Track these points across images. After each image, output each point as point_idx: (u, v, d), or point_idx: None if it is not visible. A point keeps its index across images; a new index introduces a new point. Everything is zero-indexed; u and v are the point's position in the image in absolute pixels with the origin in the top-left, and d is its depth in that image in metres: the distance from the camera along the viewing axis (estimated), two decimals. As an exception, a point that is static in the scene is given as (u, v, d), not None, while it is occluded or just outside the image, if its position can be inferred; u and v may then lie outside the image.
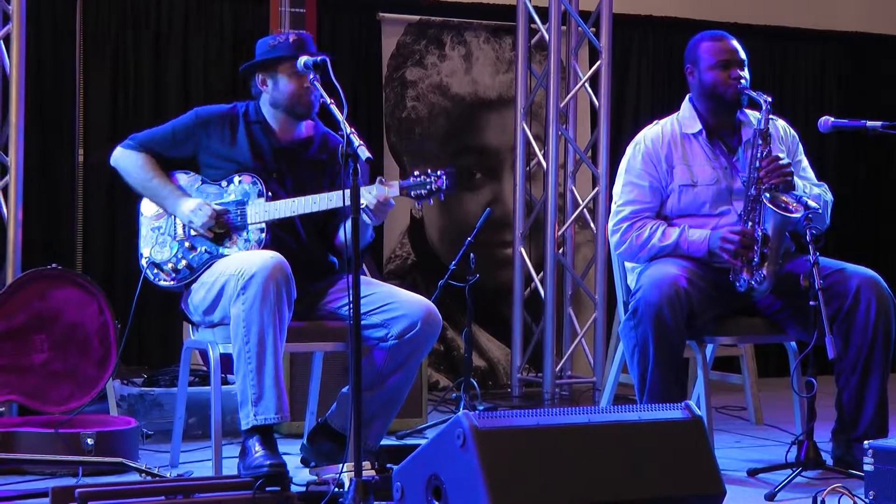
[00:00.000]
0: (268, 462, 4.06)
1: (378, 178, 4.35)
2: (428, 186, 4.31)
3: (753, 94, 4.58)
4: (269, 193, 4.43)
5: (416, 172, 4.35)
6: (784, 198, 4.47)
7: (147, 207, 4.57)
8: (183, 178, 4.54)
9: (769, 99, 4.57)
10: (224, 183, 4.49)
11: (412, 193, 4.33)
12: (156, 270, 4.48)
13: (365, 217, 4.30)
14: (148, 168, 4.52)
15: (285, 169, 4.52)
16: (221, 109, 4.60)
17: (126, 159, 4.57)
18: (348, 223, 4.17)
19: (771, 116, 4.73)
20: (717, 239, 4.53)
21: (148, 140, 4.57)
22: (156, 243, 4.50)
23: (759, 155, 4.54)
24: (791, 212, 4.42)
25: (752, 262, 4.48)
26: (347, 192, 4.20)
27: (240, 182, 4.47)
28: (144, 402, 5.38)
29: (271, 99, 4.53)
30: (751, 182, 4.54)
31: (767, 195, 4.46)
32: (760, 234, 4.48)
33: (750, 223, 4.51)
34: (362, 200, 4.25)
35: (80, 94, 6.13)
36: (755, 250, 4.48)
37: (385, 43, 7.11)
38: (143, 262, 4.50)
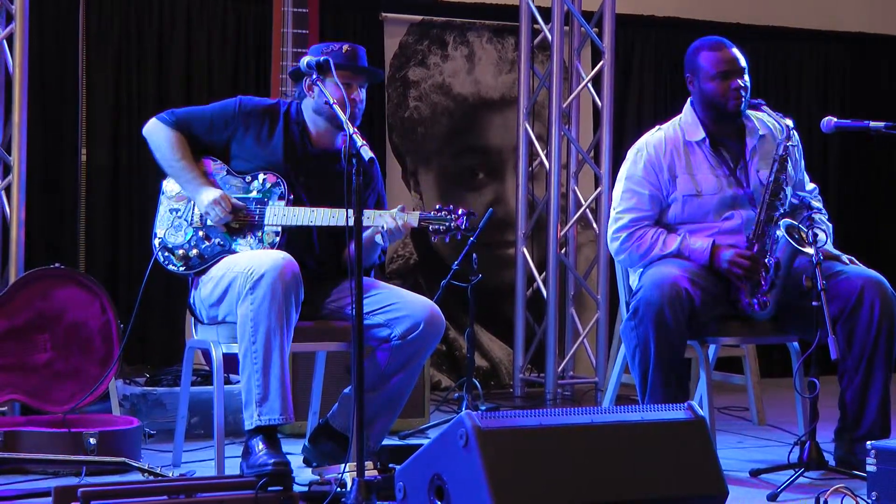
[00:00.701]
0: (271, 461, 4.06)
1: (400, 206, 4.36)
2: (447, 223, 4.34)
3: (773, 114, 4.60)
4: (291, 196, 4.41)
5: (437, 206, 4.37)
6: (801, 230, 4.45)
7: (170, 186, 4.53)
8: (209, 164, 4.50)
9: (790, 124, 4.58)
10: (248, 178, 4.47)
11: (430, 228, 4.35)
12: (167, 254, 4.45)
13: (378, 238, 4.32)
14: (178, 147, 4.47)
15: (312, 176, 4.49)
16: (265, 103, 4.57)
17: (159, 133, 4.50)
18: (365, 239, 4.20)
19: (770, 119, 4.73)
20: (725, 261, 4.53)
21: (186, 118, 4.52)
22: (171, 226, 4.47)
23: (774, 180, 4.54)
24: (807, 245, 4.40)
25: (760, 287, 4.49)
26: (369, 212, 4.28)
27: (264, 180, 4.45)
28: (147, 401, 5.38)
29: (315, 106, 4.49)
30: (763, 206, 4.54)
31: (783, 224, 4.45)
32: (773, 262, 4.48)
33: (757, 246, 4.51)
34: (381, 223, 4.27)
35: (83, 94, 6.13)
36: (765, 277, 4.49)
37: (387, 43, 7.12)
38: (156, 242, 4.47)
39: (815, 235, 4.44)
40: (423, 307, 4.36)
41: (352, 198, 3.75)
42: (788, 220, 4.49)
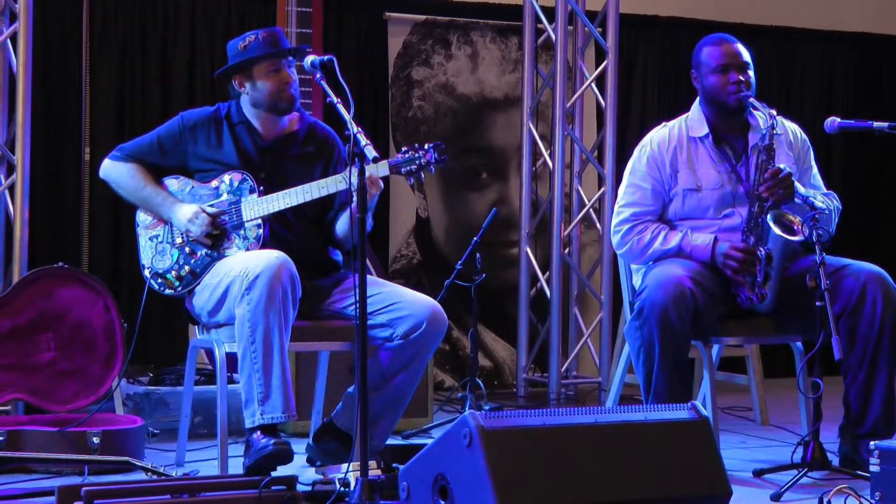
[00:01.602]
0: (272, 441, 4.09)
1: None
2: (417, 161, 4.34)
3: (758, 104, 4.57)
4: (262, 187, 4.44)
5: (403, 149, 4.36)
6: (790, 216, 4.46)
7: (143, 216, 4.58)
8: (174, 183, 4.55)
9: (773, 112, 4.56)
10: (215, 183, 4.50)
11: (402, 170, 4.35)
12: (159, 280, 4.49)
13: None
14: (139, 177, 4.54)
15: (272, 167, 4.52)
16: (206, 112, 4.61)
17: (115, 170, 4.59)
18: (346, 215, 4.20)
19: (784, 122, 4.74)
20: (720, 254, 4.53)
21: (135, 149, 4.59)
22: (156, 252, 4.51)
23: (761, 169, 4.54)
24: (795, 233, 4.41)
25: (755, 279, 4.49)
26: (337, 177, 4.28)
27: (230, 180, 4.48)
28: (150, 400, 5.39)
29: (251, 99, 4.54)
30: (753, 198, 4.54)
31: (770, 215, 4.45)
32: (764, 253, 4.48)
33: (752, 238, 4.51)
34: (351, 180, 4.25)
35: (87, 93, 6.13)
36: (758, 269, 4.48)
37: (391, 42, 7.11)
38: (147, 273, 4.52)
39: (806, 199, 4.45)
40: (426, 306, 4.36)
41: (351, 193, 3.77)
42: (777, 210, 4.48)
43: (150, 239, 4.54)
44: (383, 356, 4.37)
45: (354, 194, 4.18)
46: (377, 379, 4.34)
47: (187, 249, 4.48)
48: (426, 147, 4.34)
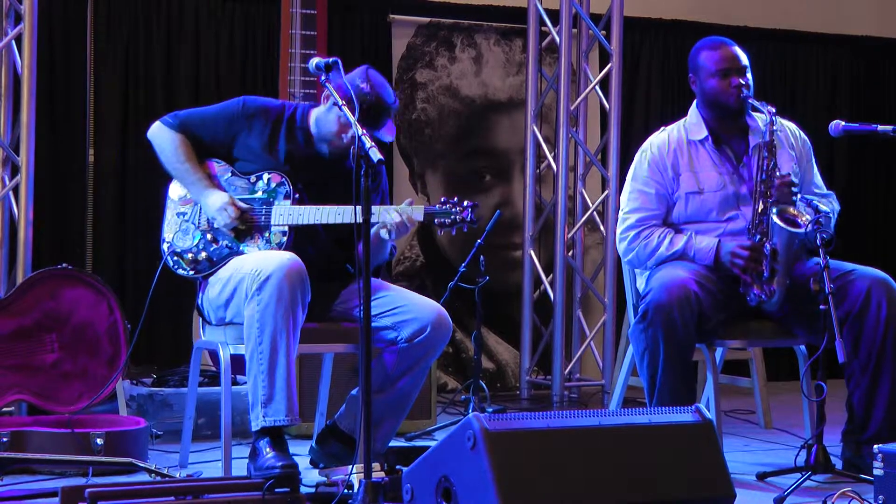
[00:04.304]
0: (279, 464, 4.07)
1: (408, 200, 4.34)
2: (453, 216, 4.31)
3: (757, 103, 4.57)
4: (297, 195, 4.41)
5: (443, 199, 4.34)
6: (792, 210, 4.46)
7: (175, 191, 4.53)
8: (214, 166, 4.50)
9: (773, 109, 4.56)
10: (253, 178, 4.46)
11: (436, 221, 4.32)
12: (176, 258, 4.46)
13: (384, 234, 4.30)
14: (182, 150, 4.46)
15: (317, 176, 4.48)
16: (270, 105, 4.55)
17: (163, 136, 4.50)
18: (374, 243, 4.19)
19: (782, 122, 4.74)
20: (727, 253, 4.53)
21: (189, 121, 4.51)
22: (179, 229, 4.47)
23: (764, 167, 4.54)
24: (799, 226, 4.41)
25: (762, 276, 4.48)
26: (378, 209, 4.25)
27: (269, 180, 4.45)
28: (154, 402, 5.39)
29: (318, 117, 4.48)
30: (757, 195, 4.54)
31: (775, 210, 4.46)
32: (769, 249, 4.48)
33: (759, 236, 4.51)
34: (386, 218, 4.25)
35: (91, 94, 6.14)
36: (765, 265, 4.48)
37: (395, 44, 7.12)
38: (165, 246, 4.48)
39: (810, 202, 4.45)
40: (431, 310, 4.36)
41: (360, 198, 3.74)
42: (780, 206, 4.48)
43: (178, 215, 4.50)
44: (388, 359, 4.36)
45: (388, 232, 4.23)
46: (381, 381, 4.34)
47: (209, 236, 4.45)
48: (465, 204, 4.31)
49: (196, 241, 4.45)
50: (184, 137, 4.48)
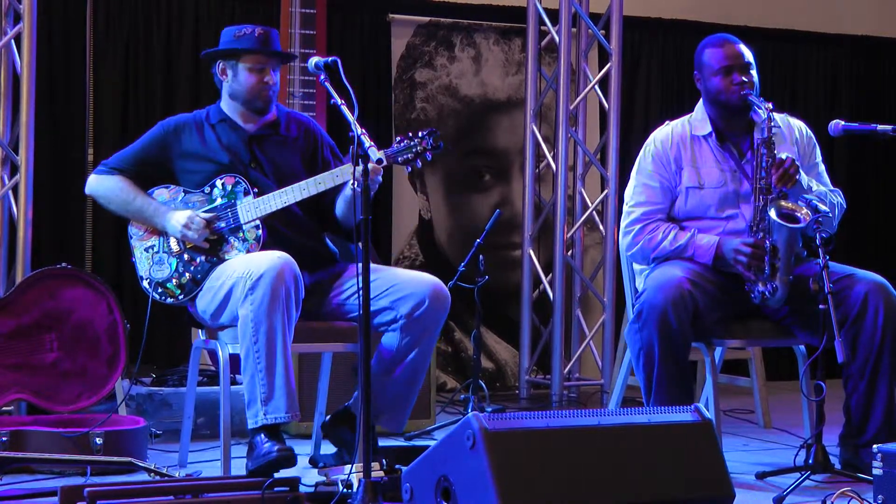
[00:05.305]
0: (276, 448, 4.09)
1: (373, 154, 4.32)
2: (414, 149, 4.32)
3: (756, 101, 4.57)
4: (255, 189, 4.43)
5: (398, 138, 4.36)
6: (790, 204, 4.46)
7: (135, 228, 4.56)
8: (164, 192, 4.54)
9: (770, 106, 4.56)
10: (207, 188, 4.49)
11: (399, 159, 4.34)
12: (160, 290, 4.47)
13: (349, 192, 4.30)
14: (127, 189, 4.53)
15: (261, 155, 4.54)
16: (185, 116, 4.65)
17: (102, 185, 4.58)
18: (343, 196, 4.22)
19: (788, 119, 4.74)
20: (731, 250, 4.53)
21: (120, 161, 4.59)
22: (153, 263, 4.49)
23: (763, 164, 4.54)
24: (798, 221, 4.41)
25: (764, 272, 4.48)
26: (335, 171, 4.33)
27: (223, 185, 4.48)
28: (153, 401, 5.39)
29: (230, 90, 4.57)
30: (758, 192, 4.54)
31: (773, 207, 4.46)
32: (770, 246, 4.48)
33: (760, 234, 4.51)
34: (347, 176, 4.26)
35: (91, 94, 6.14)
36: (766, 261, 4.48)
37: (395, 44, 7.11)
38: (146, 283, 4.50)
39: (809, 202, 4.45)
40: (426, 283, 4.38)
41: (355, 199, 3.75)
42: (778, 202, 4.48)
43: (146, 250, 4.52)
44: (389, 340, 4.36)
45: (359, 195, 4.21)
46: (389, 362, 4.35)
47: (186, 257, 4.46)
48: (421, 134, 4.32)
49: (174, 267, 4.47)
50: (123, 177, 4.55)
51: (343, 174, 4.33)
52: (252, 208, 4.41)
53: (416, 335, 4.37)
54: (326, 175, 4.38)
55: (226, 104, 4.60)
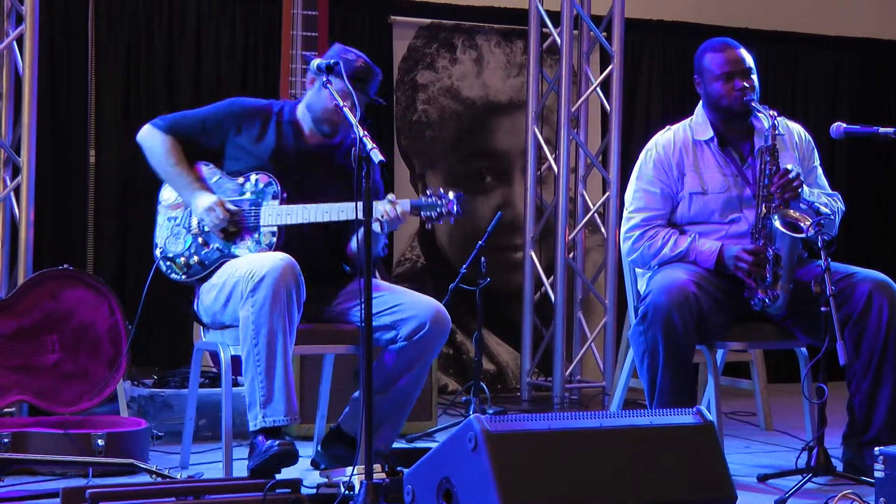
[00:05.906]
0: (277, 443, 4.10)
1: (389, 196, 4.34)
2: (438, 209, 4.32)
3: (760, 108, 4.57)
4: (285, 195, 4.41)
5: (428, 192, 4.36)
6: (794, 213, 4.46)
7: (165, 194, 4.55)
8: (204, 169, 4.51)
9: (774, 114, 4.56)
10: (241, 180, 4.47)
11: (423, 214, 4.35)
12: (168, 263, 4.48)
13: (376, 227, 4.30)
14: (171, 153, 4.47)
15: (306, 172, 4.49)
16: (258, 104, 4.58)
17: (153, 139, 4.51)
18: (360, 232, 4.19)
19: (787, 123, 4.74)
20: (731, 257, 4.53)
21: (178, 123, 4.53)
22: (170, 234, 4.49)
23: (767, 172, 4.53)
24: (801, 230, 4.41)
25: (766, 280, 4.48)
26: (359, 205, 4.22)
27: (256, 181, 4.45)
28: (155, 403, 5.39)
29: (309, 101, 4.52)
30: (760, 199, 4.54)
31: (777, 215, 4.46)
32: (772, 254, 4.47)
33: (762, 241, 4.51)
34: (380, 210, 4.26)
35: (93, 95, 6.14)
36: (768, 270, 4.48)
37: (396, 46, 7.12)
38: (157, 252, 4.49)
39: (812, 204, 4.45)
40: (429, 307, 4.37)
41: (360, 196, 3.75)
42: (783, 210, 4.48)
43: (169, 219, 4.51)
44: (388, 358, 4.37)
45: (379, 225, 4.24)
46: (382, 381, 4.34)
47: (200, 239, 4.45)
48: (450, 196, 4.32)
49: (187, 245, 4.46)
50: (174, 140, 4.49)
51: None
52: (274, 214, 4.39)
53: (412, 360, 4.37)
54: (349, 205, 4.28)
55: (302, 109, 4.54)
